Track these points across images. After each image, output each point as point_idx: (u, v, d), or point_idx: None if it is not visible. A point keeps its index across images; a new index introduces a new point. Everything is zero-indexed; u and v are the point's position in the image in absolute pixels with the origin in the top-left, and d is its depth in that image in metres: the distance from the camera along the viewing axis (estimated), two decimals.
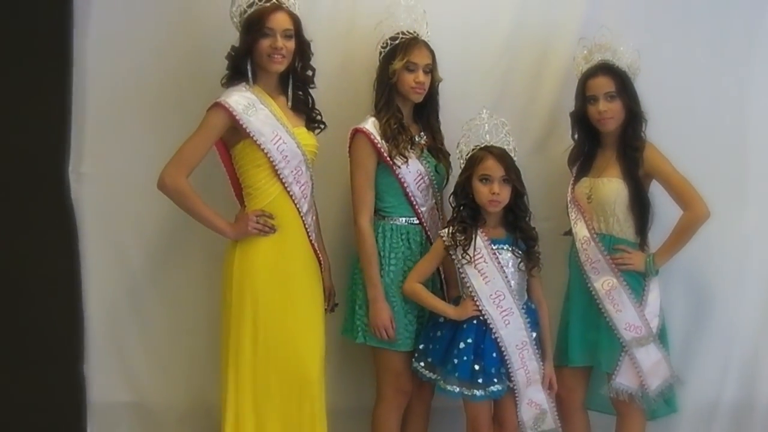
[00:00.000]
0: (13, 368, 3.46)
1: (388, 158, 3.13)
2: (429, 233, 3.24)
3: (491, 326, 3.06)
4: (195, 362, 3.38)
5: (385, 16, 3.20)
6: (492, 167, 3.07)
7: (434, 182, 3.24)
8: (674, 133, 3.32)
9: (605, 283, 3.14)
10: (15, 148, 3.43)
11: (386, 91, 3.16)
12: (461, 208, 3.14)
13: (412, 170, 3.17)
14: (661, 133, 3.22)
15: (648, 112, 3.19)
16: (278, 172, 3.01)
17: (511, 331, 3.07)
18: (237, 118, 2.95)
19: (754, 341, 3.49)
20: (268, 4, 2.97)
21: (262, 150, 2.98)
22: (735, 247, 3.46)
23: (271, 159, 2.99)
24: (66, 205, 3.31)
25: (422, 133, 3.24)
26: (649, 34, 3.36)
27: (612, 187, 3.15)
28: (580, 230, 3.20)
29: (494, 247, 3.10)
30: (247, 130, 2.97)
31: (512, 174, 3.08)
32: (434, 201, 3.27)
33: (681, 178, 3.13)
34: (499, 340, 3.06)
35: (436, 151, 3.27)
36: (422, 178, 3.20)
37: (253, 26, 2.96)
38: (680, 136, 3.35)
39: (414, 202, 3.19)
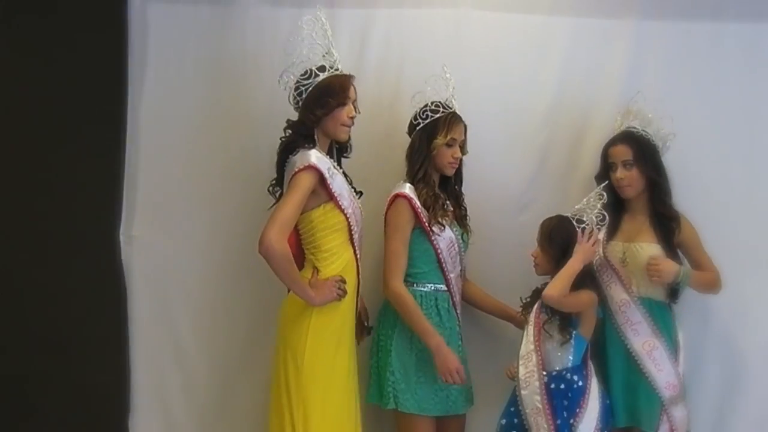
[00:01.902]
0: (63, 423, 3.56)
1: (427, 225, 3.19)
2: (455, 299, 3.30)
3: (515, 385, 3.15)
4: (237, 423, 3.42)
5: (424, 87, 3.25)
6: (538, 231, 3.21)
7: (461, 250, 3.31)
8: (710, 202, 3.41)
9: (646, 344, 3.19)
10: (68, 210, 3.56)
11: (424, 162, 3.22)
12: None
13: (446, 238, 3.23)
14: (698, 203, 3.30)
15: (684, 182, 3.27)
16: (352, 237, 3.09)
17: (529, 393, 3.10)
18: (327, 181, 3.01)
19: None
20: (343, 74, 3.08)
21: (345, 213, 3.05)
22: None
23: (350, 222, 3.07)
24: (116, 266, 3.40)
25: (448, 202, 3.30)
26: (683, 106, 3.41)
27: (651, 251, 3.20)
28: (617, 293, 3.25)
29: (541, 312, 3.17)
30: (334, 193, 3.02)
31: (544, 241, 3.17)
32: (461, 268, 3.33)
33: (706, 257, 3.23)
34: (518, 399, 3.13)
35: (461, 219, 3.34)
36: (453, 246, 3.26)
37: (336, 94, 3.04)
38: (716, 205, 3.43)
39: (445, 269, 3.24)
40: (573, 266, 3.10)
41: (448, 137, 3.20)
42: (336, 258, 3.07)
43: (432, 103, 3.23)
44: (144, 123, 3.44)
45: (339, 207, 3.03)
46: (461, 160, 3.29)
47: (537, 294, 3.22)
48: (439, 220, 3.20)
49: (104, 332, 3.48)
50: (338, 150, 3.21)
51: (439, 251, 3.22)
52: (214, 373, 3.44)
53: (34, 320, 3.64)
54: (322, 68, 3.05)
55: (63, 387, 3.60)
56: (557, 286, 3.09)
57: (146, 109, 3.43)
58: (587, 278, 3.18)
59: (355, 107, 3.11)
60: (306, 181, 2.98)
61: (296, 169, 2.99)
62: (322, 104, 3.04)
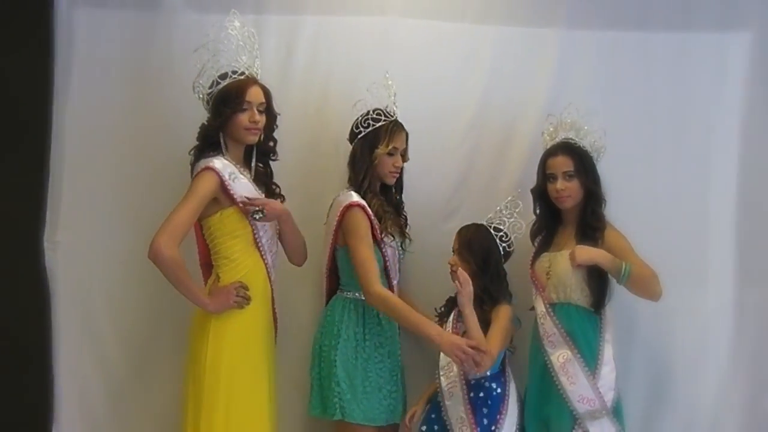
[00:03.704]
0: None
1: (379, 235, 3.17)
2: None
3: (438, 394, 3.16)
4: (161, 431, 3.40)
5: (364, 94, 3.24)
6: (454, 240, 3.24)
7: (400, 257, 3.30)
8: (637, 212, 3.40)
9: (560, 356, 3.13)
10: None
11: (368, 172, 3.20)
12: None
13: (391, 246, 3.23)
14: (624, 213, 3.28)
15: (610, 192, 3.24)
16: (257, 242, 3.04)
17: (453, 404, 3.13)
18: (226, 184, 2.97)
19: (713, 420, 3.47)
20: (243, 78, 3.03)
21: (248, 219, 3.01)
22: (695, 325, 3.47)
23: (253, 228, 3.03)
24: (40, 272, 3.37)
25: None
26: (610, 116, 3.40)
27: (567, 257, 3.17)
28: (538, 306, 3.23)
29: (458, 321, 3.18)
30: (235, 198, 2.99)
31: (464, 250, 3.21)
32: (399, 275, 3.32)
33: (638, 259, 3.14)
34: (443, 409, 3.14)
35: (401, 228, 3.32)
36: (395, 254, 3.27)
37: (232, 100, 2.99)
38: (643, 215, 3.42)
39: (391, 277, 3.23)
40: (471, 315, 3.06)
41: (390, 146, 3.18)
42: (236, 265, 3.04)
43: (374, 111, 3.21)
44: (69, 128, 3.42)
45: (239, 213, 3.00)
46: (402, 168, 3.27)
47: (452, 303, 3.21)
48: (390, 230, 3.19)
49: (28, 340, 3.44)
50: (260, 152, 3.16)
51: (387, 260, 3.20)
52: (137, 380, 3.42)
53: None
54: (223, 76, 3.02)
55: None
56: (495, 344, 3.07)
57: (71, 114, 3.42)
58: (503, 292, 3.22)
59: (262, 110, 3.06)
60: (202, 185, 2.95)
61: (195, 173, 2.98)
62: (218, 113, 3.01)
